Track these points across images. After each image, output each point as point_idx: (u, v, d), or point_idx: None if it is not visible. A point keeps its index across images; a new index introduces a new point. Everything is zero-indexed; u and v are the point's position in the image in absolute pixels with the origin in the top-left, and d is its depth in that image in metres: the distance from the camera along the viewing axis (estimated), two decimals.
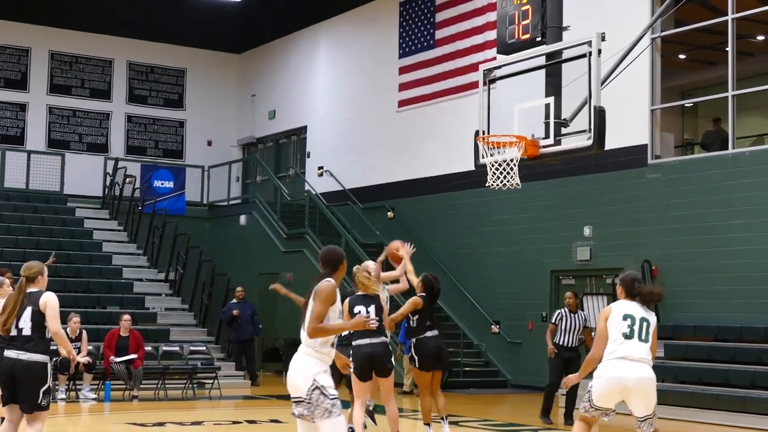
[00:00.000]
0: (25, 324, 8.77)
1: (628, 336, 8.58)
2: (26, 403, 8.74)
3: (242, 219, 27.30)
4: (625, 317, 8.62)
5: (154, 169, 28.33)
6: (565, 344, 14.92)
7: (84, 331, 17.65)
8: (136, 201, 25.76)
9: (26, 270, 8.95)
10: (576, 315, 15.04)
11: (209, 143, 31.17)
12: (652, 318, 8.74)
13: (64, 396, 17.20)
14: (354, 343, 10.87)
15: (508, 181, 12.53)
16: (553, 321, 15.24)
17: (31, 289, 8.88)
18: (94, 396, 17.50)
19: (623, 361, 8.57)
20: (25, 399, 8.74)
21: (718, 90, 18.80)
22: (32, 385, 8.70)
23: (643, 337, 8.60)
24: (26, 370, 8.69)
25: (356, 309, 10.76)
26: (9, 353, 8.76)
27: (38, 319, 8.77)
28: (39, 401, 8.71)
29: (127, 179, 26.44)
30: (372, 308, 10.75)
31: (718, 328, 17.16)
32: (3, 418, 9.03)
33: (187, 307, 23.05)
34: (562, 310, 15.19)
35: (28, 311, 8.79)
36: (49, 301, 8.82)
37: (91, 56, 29.78)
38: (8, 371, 8.74)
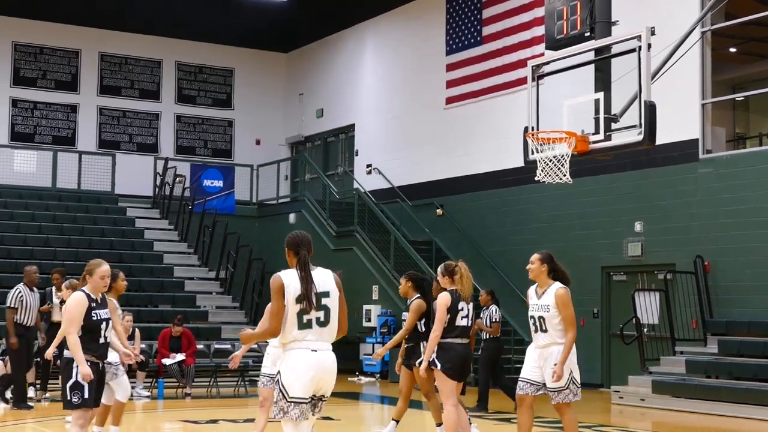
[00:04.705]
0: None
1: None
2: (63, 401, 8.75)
3: (291, 217, 27.37)
4: None
5: (203, 169, 28.50)
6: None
7: (137, 330, 17.77)
8: (186, 200, 25.95)
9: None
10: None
11: (258, 142, 31.32)
12: None
13: (148, 393, 17.56)
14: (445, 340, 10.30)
15: (559, 178, 12.47)
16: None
17: (82, 288, 8.81)
18: (148, 394, 17.66)
19: None
20: (62, 396, 8.74)
21: None
22: (63, 382, 8.65)
23: None
24: (60, 367, 8.78)
25: (460, 306, 10.35)
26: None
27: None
28: (68, 398, 8.59)
29: (177, 179, 26.63)
30: (471, 306, 10.48)
31: None
32: None
33: (238, 305, 23.19)
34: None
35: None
36: (67, 303, 8.72)
37: (140, 57, 30.04)
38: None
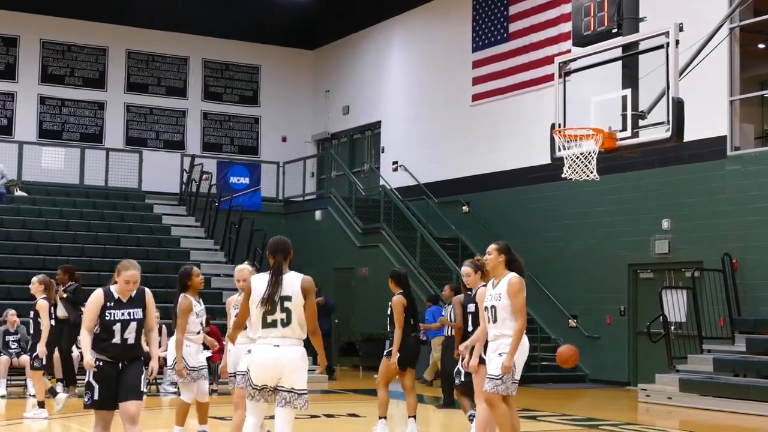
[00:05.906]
0: None
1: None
2: None
3: (317, 214, 27.42)
4: None
5: (229, 166, 28.58)
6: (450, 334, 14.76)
7: (164, 327, 17.86)
8: (213, 197, 26.02)
9: None
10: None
11: (284, 139, 31.36)
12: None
13: (174, 389, 17.51)
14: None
15: (586, 175, 12.42)
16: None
17: (109, 285, 8.66)
18: (174, 390, 17.70)
19: None
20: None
21: None
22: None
23: None
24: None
25: (471, 307, 10.37)
26: None
27: None
28: (83, 396, 8.47)
29: (204, 176, 26.71)
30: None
31: None
32: None
33: None
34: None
35: None
36: (88, 301, 8.57)
37: (166, 54, 30.14)
38: None
